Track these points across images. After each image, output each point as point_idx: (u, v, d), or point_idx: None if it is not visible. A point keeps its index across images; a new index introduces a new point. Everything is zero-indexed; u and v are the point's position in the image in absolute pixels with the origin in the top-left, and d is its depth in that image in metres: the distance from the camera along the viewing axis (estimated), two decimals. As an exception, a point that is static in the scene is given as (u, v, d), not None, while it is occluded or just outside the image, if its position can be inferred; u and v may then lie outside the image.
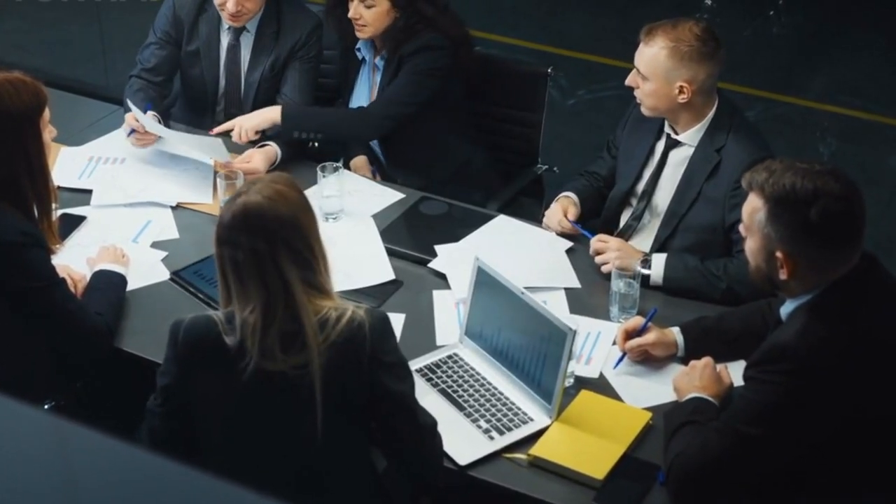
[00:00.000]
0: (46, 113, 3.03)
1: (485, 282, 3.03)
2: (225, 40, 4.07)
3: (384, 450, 2.71)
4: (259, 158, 3.80)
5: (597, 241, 3.41)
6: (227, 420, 2.60)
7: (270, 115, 3.91)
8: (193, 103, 4.20)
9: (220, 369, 2.53)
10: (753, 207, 2.55)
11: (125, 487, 1.40)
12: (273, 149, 3.87)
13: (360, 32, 3.96)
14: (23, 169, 2.95)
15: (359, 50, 4.12)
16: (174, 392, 2.62)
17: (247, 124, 3.88)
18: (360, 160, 4.13)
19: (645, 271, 3.29)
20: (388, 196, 3.83)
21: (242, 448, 2.62)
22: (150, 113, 3.89)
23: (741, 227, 2.65)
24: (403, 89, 3.97)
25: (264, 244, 2.45)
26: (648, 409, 2.91)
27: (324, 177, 3.61)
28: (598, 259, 3.40)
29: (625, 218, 3.60)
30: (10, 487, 1.35)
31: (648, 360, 3.06)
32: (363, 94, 4.16)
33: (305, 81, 4.05)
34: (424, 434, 2.65)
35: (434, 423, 2.66)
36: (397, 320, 3.18)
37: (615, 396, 2.97)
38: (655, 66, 3.31)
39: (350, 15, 3.92)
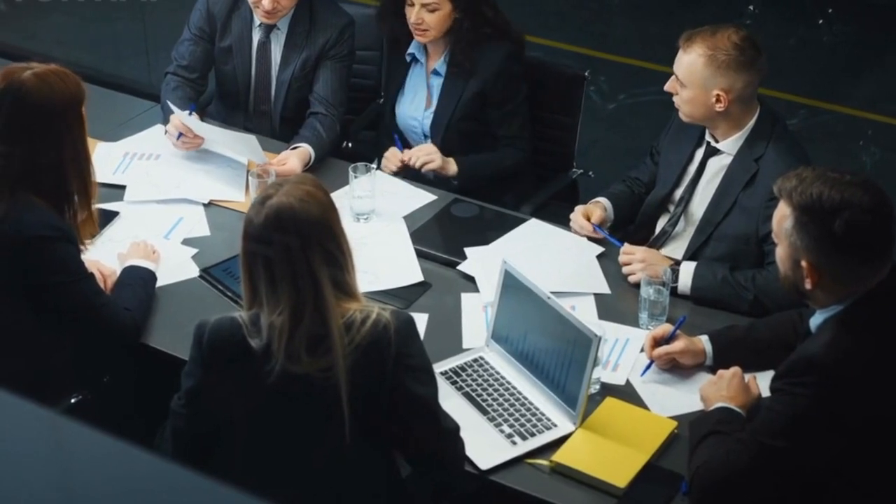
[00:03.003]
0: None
1: (512, 285, 3.01)
2: (256, 37, 4.08)
3: (405, 453, 2.70)
4: (294, 160, 3.80)
5: (623, 253, 3.39)
6: (251, 422, 2.59)
7: (450, 168, 3.94)
8: (227, 99, 4.21)
9: (244, 372, 2.52)
10: (782, 215, 2.52)
11: (123, 489, 1.40)
12: (307, 150, 3.87)
13: (422, 37, 3.92)
14: (69, 156, 2.96)
15: (411, 54, 4.07)
16: (198, 394, 2.61)
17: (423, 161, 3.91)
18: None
19: (673, 277, 3.26)
20: (421, 198, 3.81)
21: (266, 450, 2.60)
22: (193, 115, 3.90)
23: (772, 234, 2.62)
24: (519, 105, 4.01)
25: (298, 245, 2.44)
26: (674, 417, 2.88)
27: (356, 177, 3.61)
28: (624, 270, 3.38)
29: (661, 224, 3.57)
30: (6, 486, 1.35)
31: (676, 369, 3.04)
32: (418, 99, 4.10)
33: (337, 80, 4.05)
34: (446, 439, 2.63)
35: (456, 428, 2.64)
36: (420, 320, 3.17)
37: (641, 404, 2.94)
38: (693, 73, 3.28)
39: (412, 20, 3.87)
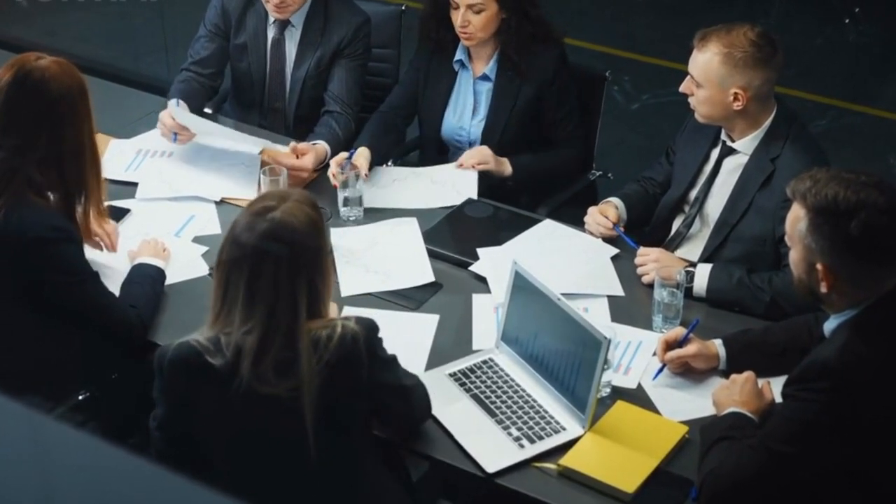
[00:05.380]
0: None
1: (522, 286, 2.96)
2: (271, 34, 4.05)
3: (385, 430, 2.72)
4: (311, 156, 3.76)
5: (639, 255, 3.34)
6: (227, 441, 2.56)
7: (505, 169, 3.87)
8: (242, 96, 4.19)
9: (211, 393, 2.48)
10: (796, 217, 2.47)
11: (105, 492, 1.37)
12: (323, 147, 3.83)
13: (469, 40, 3.81)
14: (87, 145, 2.95)
15: (458, 61, 3.97)
16: (170, 419, 2.59)
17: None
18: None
19: (688, 279, 3.21)
20: (467, 186, 3.77)
21: (248, 468, 2.57)
22: (180, 104, 3.87)
23: (786, 237, 2.57)
24: (574, 105, 3.96)
25: (288, 268, 2.39)
26: (686, 422, 2.82)
27: (342, 173, 3.57)
28: (639, 270, 3.34)
29: (676, 225, 3.52)
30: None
31: (689, 373, 2.98)
32: (465, 108, 4.01)
33: (353, 79, 4.01)
34: (411, 397, 2.68)
35: (415, 381, 2.70)
36: (431, 321, 3.15)
37: (652, 408, 2.89)
38: (709, 72, 3.23)
39: (459, 23, 3.76)
